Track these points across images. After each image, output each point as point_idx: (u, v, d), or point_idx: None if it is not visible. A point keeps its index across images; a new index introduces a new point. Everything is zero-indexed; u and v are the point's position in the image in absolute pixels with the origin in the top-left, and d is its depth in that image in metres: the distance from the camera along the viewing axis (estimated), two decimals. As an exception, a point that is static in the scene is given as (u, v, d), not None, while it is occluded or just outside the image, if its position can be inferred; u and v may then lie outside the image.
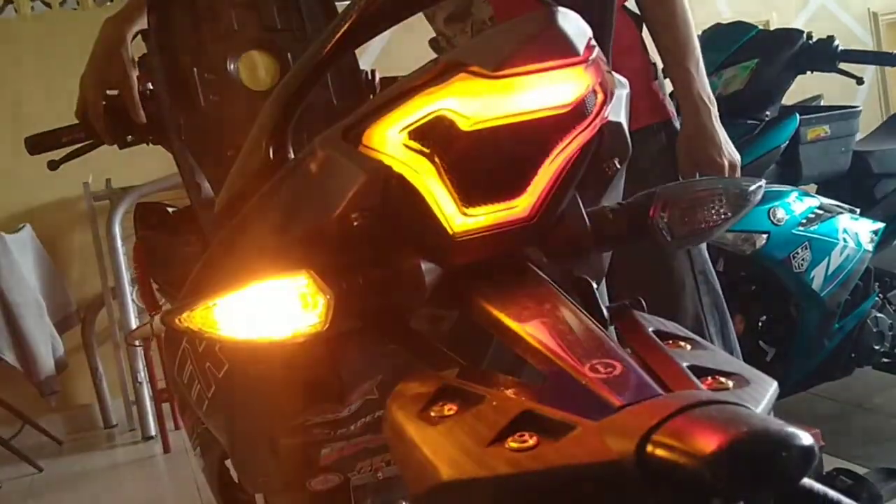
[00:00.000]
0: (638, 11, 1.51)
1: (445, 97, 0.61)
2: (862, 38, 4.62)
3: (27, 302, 3.09)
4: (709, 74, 1.55)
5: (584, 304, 0.72)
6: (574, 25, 0.61)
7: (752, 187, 0.78)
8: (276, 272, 0.66)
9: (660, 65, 1.54)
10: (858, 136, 2.56)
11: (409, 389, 0.64)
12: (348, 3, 0.68)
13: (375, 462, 1.06)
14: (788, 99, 2.42)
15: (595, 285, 0.79)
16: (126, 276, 3.29)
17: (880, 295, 2.41)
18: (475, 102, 0.61)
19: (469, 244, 0.69)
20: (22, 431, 3.26)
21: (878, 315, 2.36)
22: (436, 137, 0.63)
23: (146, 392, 3.30)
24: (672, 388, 0.55)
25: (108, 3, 3.58)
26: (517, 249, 0.74)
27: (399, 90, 0.63)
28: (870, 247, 2.27)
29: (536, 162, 0.68)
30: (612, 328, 0.75)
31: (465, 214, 0.68)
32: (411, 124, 0.63)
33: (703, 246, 1.51)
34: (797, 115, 2.33)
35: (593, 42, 0.63)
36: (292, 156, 0.73)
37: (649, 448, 0.47)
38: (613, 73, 0.70)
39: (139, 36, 1.26)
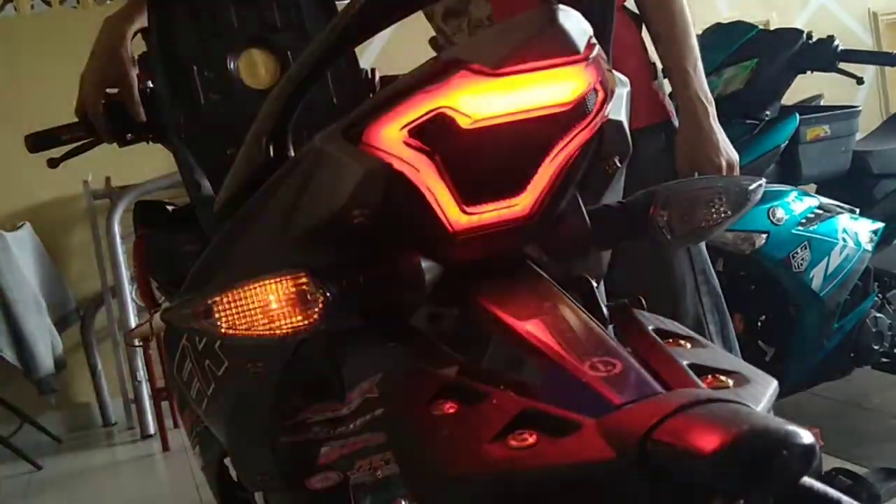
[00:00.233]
0: (637, 11, 1.51)
1: (446, 95, 0.61)
2: (862, 37, 4.62)
3: (26, 300, 3.09)
4: (709, 74, 1.55)
5: (584, 303, 0.72)
6: (575, 23, 0.61)
7: (752, 186, 0.78)
8: (277, 270, 0.66)
9: (659, 65, 1.54)
10: (858, 136, 2.56)
11: (410, 387, 0.64)
12: (348, 1, 0.68)
13: (375, 460, 1.06)
14: (788, 99, 2.42)
15: (595, 284, 0.79)
16: (125, 275, 3.29)
17: (879, 295, 2.41)
18: (476, 100, 0.61)
19: (469, 242, 0.69)
20: (21, 429, 3.26)
21: (878, 315, 2.36)
22: (436, 135, 0.63)
23: (145, 390, 3.30)
24: (672, 386, 0.55)
25: (108, 2, 3.57)
26: (517, 247, 0.74)
27: (399, 88, 0.63)
28: (869, 247, 2.27)
29: (537, 160, 0.68)
30: (611, 326, 0.75)
31: (465, 212, 0.68)
32: (411, 122, 0.63)
33: (703, 245, 1.51)
34: (797, 114, 2.33)
35: (594, 40, 0.63)
36: (292, 154, 0.73)
37: (650, 446, 0.47)
38: (614, 71, 0.70)
39: (139, 34, 1.26)
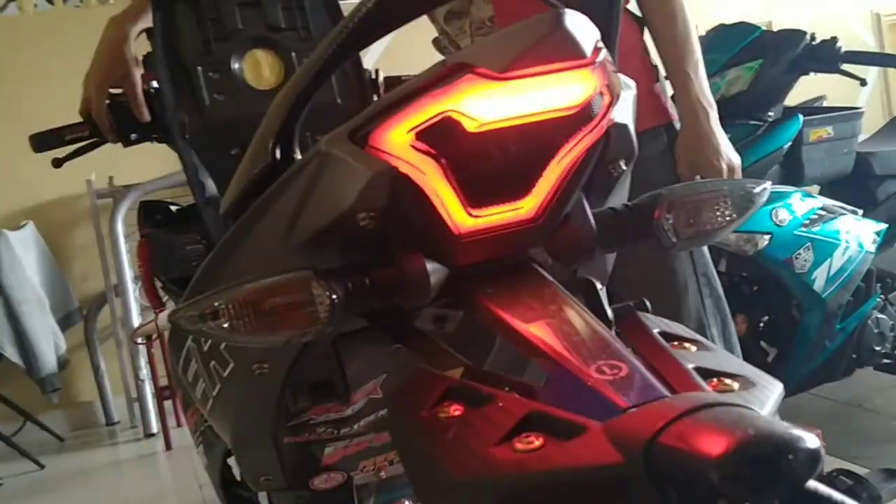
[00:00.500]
0: (639, 13, 1.51)
1: (452, 98, 0.61)
2: (864, 38, 4.62)
3: (29, 299, 3.09)
4: (712, 75, 1.54)
5: (588, 306, 0.72)
6: (581, 27, 0.61)
7: (758, 189, 0.78)
8: (283, 272, 0.66)
9: (661, 67, 1.54)
10: (861, 138, 2.56)
11: (415, 390, 0.64)
12: (352, 1, 0.68)
13: (378, 461, 1.06)
14: (790, 100, 2.42)
15: (599, 286, 0.79)
16: (129, 274, 3.29)
17: (882, 296, 2.41)
18: (482, 104, 0.61)
19: (474, 245, 0.69)
20: (23, 428, 3.26)
21: (880, 316, 2.36)
22: (442, 138, 0.63)
23: (148, 389, 3.31)
24: (677, 389, 0.55)
25: (111, 1, 3.58)
26: (522, 250, 0.74)
27: (406, 91, 0.63)
28: (872, 248, 2.27)
29: (542, 163, 0.68)
30: (615, 329, 0.75)
31: (470, 215, 0.68)
32: (418, 125, 0.63)
33: (706, 247, 1.51)
34: (800, 116, 2.33)
35: (600, 44, 0.63)
36: (298, 156, 0.73)
37: (655, 450, 0.47)
38: (619, 74, 0.70)
39: (143, 35, 1.26)
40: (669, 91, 1.56)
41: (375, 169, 0.64)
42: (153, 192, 3.20)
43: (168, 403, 3.16)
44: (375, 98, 1.30)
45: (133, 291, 3.30)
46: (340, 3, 1.30)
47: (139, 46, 1.26)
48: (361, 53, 1.27)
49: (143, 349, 3.24)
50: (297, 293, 0.66)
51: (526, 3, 0.71)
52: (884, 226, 2.33)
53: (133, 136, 1.30)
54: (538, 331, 0.63)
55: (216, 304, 0.65)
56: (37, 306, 3.11)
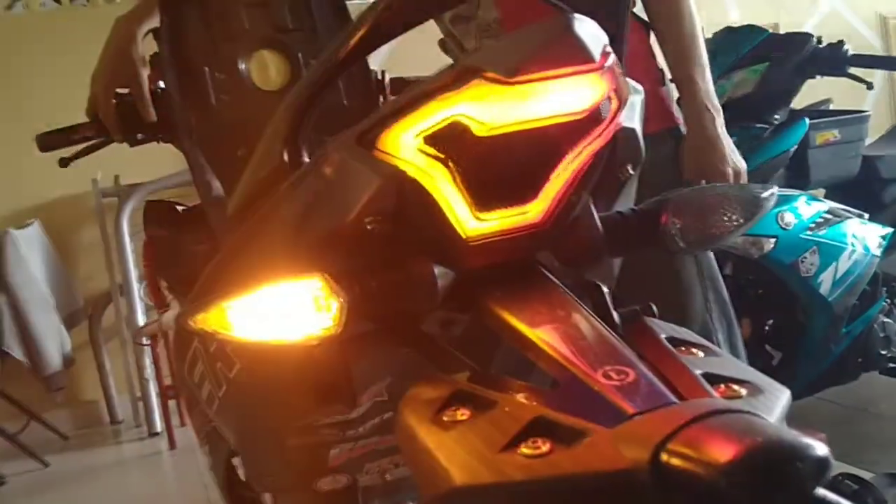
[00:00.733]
0: (646, 17, 1.51)
1: (460, 103, 0.61)
2: (871, 41, 4.61)
3: (35, 297, 3.10)
4: (718, 78, 1.54)
5: (595, 310, 0.72)
6: (590, 32, 0.61)
7: (765, 194, 0.78)
8: (290, 275, 0.66)
9: (667, 70, 1.54)
10: (867, 141, 2.56)
11: (422, 393, 0.64)
12: (359, 2, 0.68)
13: (383, 464, 1.06)
14: (796, 103, 2.42)
15: (605, 290, 0.79)
16: (134, 273, 3.30)
17: (888, 300, 2.41)
18: (490, 108, 0.61)
19: (481, 248, 0.69)
20: (28, 426, 3.27)
21: (886, 320, 2.36)
22: (450, 143, 0.63)
23: (152, 388, 3.31)
24: (685, 395, 0.55)
25: (118, 1, 3.58)
26: (530, 254, 0.74)
27: (414, 95, 0.63)
28: (878, 252, 2.27)
29: (550, 167, 0.68)
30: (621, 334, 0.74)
31: (478, 219, 0.68)
32: (426, 129, 0.63)
33: (711, 251, 1.51)
34: (806, 119, 2.33)
35: (609, 48, 0.63)
36: (306, 159, 0.73)
37: (664, 457, 0.47)
38: (627, 79, 0.70)
39: (150, 35, 1.26)
40: (674, 94, 1.56)
41: (383, 173, 0.64)
42: (158, 191, 3.20)
43: (172, 403, 3.16)
44: (381, 99, 1.30)
45: (138, 291, 3.30)
46: (348, 3, 1.30)
47: (146, 46, 1.26)
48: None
49: (147, 348, 3.24)
50: (305, 296, 0.66)
51: (531, 6, 0.71)
52: (890, 229, 2.32)
53: (139, 136, 1.30)
54: (545, 335, 0.63)
55: (224, 306, 0.65)
56: (42, 305, 3.12)
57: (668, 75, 1.53)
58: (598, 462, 0.50)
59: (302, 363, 0.77)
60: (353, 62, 0.70)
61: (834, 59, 2.33)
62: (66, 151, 1.34)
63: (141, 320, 3.27)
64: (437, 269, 0.69)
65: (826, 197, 2.42)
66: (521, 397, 0.61)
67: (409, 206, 0.66)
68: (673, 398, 0.54)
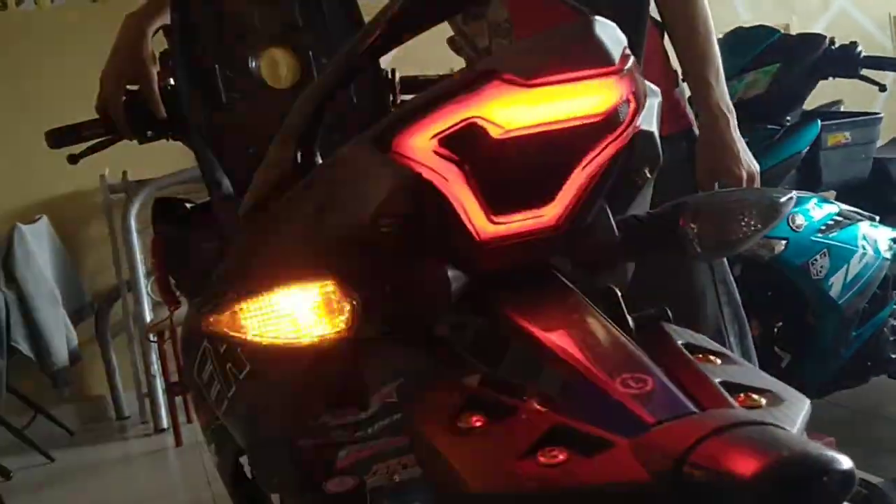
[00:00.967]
0: (659, 18, 1.50)
1: (478, 105, 0.60)
2: (882, 42, 4.58)
3: (42, 293, 3.10)
4: (730, 78, 1.52)
5: (608, 314, 0.71)
6: (611, 34, 0.61)
7: (783, 199, 0.77)
8: (304, 277, 0.65)
9: (681, 72, 1.52)
10: (879, 143, 2.54)
11: (436, 399, 0.63)
12: (372, 3, 0.67)
13: (392, 465, 1.05)
14: (806, 104, 2.40)
15: (620, 295, 0.78)
16: (141, 269, 3.30)
17: (898, 303, 2.39)
18: (508, 111, 0.60)
19: (496, 252, 0.68)
20: (34, 421, 3.27)
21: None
22: (467, 145, 0.62)
23: (159, 385, 3.31)
24: (705, 405, 0.54)
25: (127, -4, 3.58)
26: (544, 258, 0.73)
27: (431, 97, 0.62)
28: (888, 255, 2.25)
29: (566, 170, 0.67)
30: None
31: (492, 222, 0.67)
32: (442, 131, 0.62)
33: (723, 254, 1.49)
34: (818, 121, 2.31)
35: (628, 51, 0.62)
36: (319, 160, 0.72)
37: (686, 469, 0.46)
38: (645, 81, 0.69)
39: (161, 32, 1.26)
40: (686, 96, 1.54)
41: (399, 175, 0.63)
42: (166, 187, 3.20)
43: (179, 399, 3.16)
44: (391, 98, 1.30)
45: (145, 287, 3.30)
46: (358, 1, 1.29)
47: (156, 44, 1.25)
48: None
49: (154, 345, 3.24)
50: (318, 299, 0.65)
51: (539, 6, 0.70)
52: (901, 233, 2.31)
53: (149, 133, 1.29)
54: (561, 341, 0.63)
55: (236, 307, 0.65)
56: (50, 300, 3.12)
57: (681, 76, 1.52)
58: (618, 473, 0.49)
59: (314, 365, 0.76)
60: (367, 64, 0.70)
61: (847, 61, 2.31)
62: (76, 148, 1.34)
63: (148, 317, 3.27)
64: (451, 273, 0.68)
65: (837, 199, 2.40)
66: (536, 404, 0.60)
67: (423, 208, 0.65)
68: (693, 408, 0.53)
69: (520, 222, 0.68)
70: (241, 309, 0.65)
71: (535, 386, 0.64)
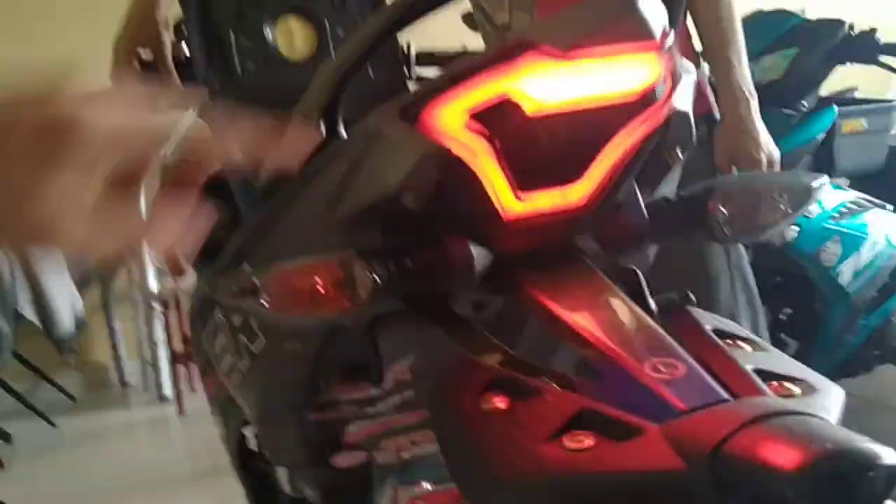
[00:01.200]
0: None
1: (512, 76, 0.58)
2: (898, 29, 4.53)
3: (47, 258, 3.08)
4: (748, 61, 1.50)
5: (630, 296, 0.70)
6: (653, 8, 0.58)
7: (815, 183, 0.75)
8: (324, 251, 0.64)
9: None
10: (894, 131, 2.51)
11: (457, 377, 0.62)
12: None
13: (401, 441, 1.04)
14: (821, 90, 2.37)
15: (642, 277, 0.77)
16: (146, 237, 3.27)
17: (908, 293, 2.37)
18: (543, 84, 0.58)
19: (522, 230, 0.67)
20: (37, 387, 3.27)
21: (905, 313, 2.32)
22: (498, 120, 0.60)
23: (162, 353, 3.30)
24: (738, 393, 0.53)
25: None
26: (570, 237, 0.72)
27: (463, 69, 0.60)
28: (900, 244, 2.23)
29: (596, 149, 0.65)
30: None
31: (519, 199, 0.65)
32: (474, 105, 0.60)
33: (737, 239, 1.47)
34: (835, 106, 2.28)
35: (668, 27, 0.60)
36: (343, 132, 0.71)
37: (722, 458, 0.45)
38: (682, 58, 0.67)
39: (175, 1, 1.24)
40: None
41: (426, 149, 0.61)
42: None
43: (182, 368, 3.16)
44: (407, 72, 1.28)
45: (150, 254, 3.28)
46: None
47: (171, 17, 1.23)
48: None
49: (158, 313, 3.23)
50: (338, 273, 0.64)
51: None
52: (914, 222, 2.29)
53: (161, 100, 1.27)
54: (587, 323, 0.61)
55: (256, 280, 0.63)
56: (55, 266, 3.10)
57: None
58: (650, 460, 0.47)
59: (330, 339, 0.75)
60: (391, 36, 0.68)
61: (866, 47, 2.28)
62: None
63: (153, 284, 3.26)
64: (475, 250, 0.67)
65: (850, 187, 2.38)
66: (560, 387, 0.59)
67: (449, 183, 0.63)
68: (726, 396, 0.52)
69: (547, 200, 0.66)
70: (261, 282, 0.63)
71: (559, 368, 0.63)
